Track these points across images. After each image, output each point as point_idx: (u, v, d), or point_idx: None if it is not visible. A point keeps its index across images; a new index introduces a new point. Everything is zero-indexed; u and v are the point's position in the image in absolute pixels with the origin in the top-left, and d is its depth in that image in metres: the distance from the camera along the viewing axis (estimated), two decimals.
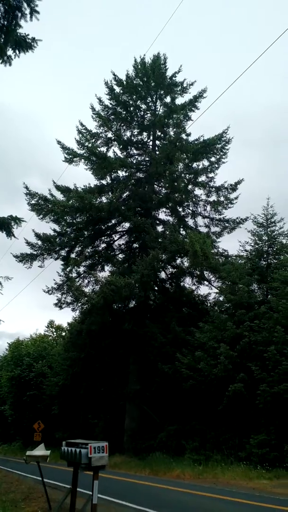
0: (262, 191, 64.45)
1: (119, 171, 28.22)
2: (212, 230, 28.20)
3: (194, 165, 28.01)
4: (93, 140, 28.61)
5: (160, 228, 28.72)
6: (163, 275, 28.73)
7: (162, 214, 29.45)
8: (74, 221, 27.24)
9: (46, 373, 36.42)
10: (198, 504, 10.53)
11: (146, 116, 29.93)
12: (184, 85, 28.99)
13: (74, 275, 27.52)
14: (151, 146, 29.79)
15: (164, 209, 28.97)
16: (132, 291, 23.68)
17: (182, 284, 27.79)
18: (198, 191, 28.54)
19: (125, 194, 28.42)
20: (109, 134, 29.35)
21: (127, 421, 25.25)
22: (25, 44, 9.54)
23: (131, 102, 29.55)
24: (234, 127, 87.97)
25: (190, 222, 28.93)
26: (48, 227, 52.76)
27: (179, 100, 29.02)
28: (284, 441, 16.05)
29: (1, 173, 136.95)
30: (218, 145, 27.47)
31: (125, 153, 29.79)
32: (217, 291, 25.42)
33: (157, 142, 29.83)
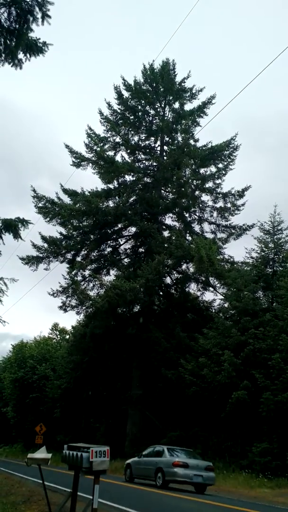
0: (273, 197, 64.35)
1: (126, 176, 28.30)
2: (218, 236, 28.22)
3: (202, 171, 28.06)
4: (101, 144, 28.71)
5: (166, 233, 28.75)
6: (168, 280, 28.78)
7: (169, 219, 29.56)
8: (81, 224, 27.34)
9: (49, 376, 36.41)
10: (199, 511, 10.47)
11: (154, 121, 30.01)
12: (193, 91, 29.11)
13: (79, 278, 27.57)
14: (159, 151, 29.86)
15: (170, 214, 29.03)
16: (137, 296, 23.69)
17: (187, 289, 27.79)
18: (205, 197, 28.62)
19: (132, 199, 28.48)
20: (117, 139, 29.49)
21: (129, 426, 25.18)
22: (36, 48, 9.56)
23: (139, 107, 29.68)
24: (245, 132, 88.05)
25: (197, 228, 28.98)
26: (54, 230, 52.92)
27: (188, 106, 29.21)
28: (287, 450, 15.95)
29: (12, 175, 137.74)
30: (226, 152, 27.49)
31: (132, 158, 29.88)
32: (222, 297, 25.37)
33: (165, 148, 29.90)
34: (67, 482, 11.46)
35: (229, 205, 27.93)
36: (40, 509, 10.43)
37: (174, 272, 28.29)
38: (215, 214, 28.29)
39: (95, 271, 28.26)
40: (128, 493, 13.92)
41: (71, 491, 8.26)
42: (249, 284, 21.27)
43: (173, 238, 26.10)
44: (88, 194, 27.15)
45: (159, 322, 26.46)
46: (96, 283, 27.60)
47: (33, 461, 10.07)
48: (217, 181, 28.00)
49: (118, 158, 28.58)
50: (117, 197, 27.91)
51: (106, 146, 29.14)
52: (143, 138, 30.34)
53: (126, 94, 29.51)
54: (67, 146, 28.06)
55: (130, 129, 30.01)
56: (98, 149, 27.83)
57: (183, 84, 29.23)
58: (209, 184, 28.13)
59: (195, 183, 28.01)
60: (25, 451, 33.72)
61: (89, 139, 28.31)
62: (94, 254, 28.91)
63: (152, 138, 30.30)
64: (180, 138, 29.11)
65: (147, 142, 30.48)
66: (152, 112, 30.02)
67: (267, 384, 17.23)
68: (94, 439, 26.41)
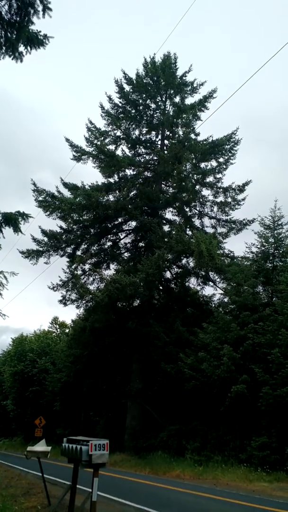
0: (273, 192, 64.29)
1: (127, 170, 28.27)
2: (219, 231, 28.12)
3: (202, 165, 27.98)
4: (102, 138, 28.62)
5: (166, 228, 28.70)
6: (168, 274, 28.75)
7: (169, 214, 29.50)
8: (81, 218, 27.29)
9: (49, 369, 36.51)
10: (198, 504, 10.53)
11: (155, 115, 29.91)
12: (194, 85, 28.97)
13: (79, 272, 27.58)
14: (159, 145, 29.77)
15: (171, 209, 28.97)
16: (137, 290, 23.68)
17: (187, 284, 27.78)
18: (206, 192, 28.53)
19: (132, 193, 28.44)
20: (118, 133, 29.39)
21: (128, 419, 25.27)
22: (36, 41, 9.50)
23: (140, 101, 29.58)
24: (246, 127, 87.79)
25: (197, 222, 28.93)
26: (54, 224, 53.02)
27: (189, 100, 29.06)
28: (285, 444, 16.01)
29: (14, 168, 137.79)
30: (226, 146, 27.40)
31: (133, 152, 29.82)
32: (222, 292, 25.38)
33: (166, 142, 29.81)
34: (66, 475, 11.53)
35: (229, 199, 27.86)
36: (40, 501, 10.51)
37: (174, 266, 28.30)
38: (215, 208, 28.23)
39: (95, 265, 28.24)
40: (126, 486, 14.01)
41: (70, 484, 8.32)
42: (249, 279, 21.26)
43: (173, 232, 26.06)
44: (89, 188, 27.11)
45: (159, 316, 26.49)
46: (96, 277, 27.64)
47: (32, 453, 10.15)
48: (218, 176, 27.92)
49: (118, 152, 28.55)
50: (117, 191, 27.86)
51: (106, 140, 29.04)
52: (144, 132, 30.24)
53: (127, 87, 29.45)
54: (67, 140, 28.02)
55: (131, 123, 29.90)
56: (99, 143, 27.76)
57: (184, 78, 29.09)
58: (210, 179, 28.07)
59: (195, 178, 27.94)
60: (25, 444, 33.89)
61: (89, 133, 28.27)
62: (94, 248, 28.90)
63: (153, 132, 30.22)
64: (181, 132, 29.01)
65: (147, 136, 30.40)
66: (153, 106, 29.91)
67: (266, 379, 17.26)
68: (94, 432, 26.52)
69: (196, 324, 23.10)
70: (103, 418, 27.92)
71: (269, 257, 22.80)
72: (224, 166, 27.73)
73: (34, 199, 26.17)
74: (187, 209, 28.88)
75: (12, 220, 11.65)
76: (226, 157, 27.68)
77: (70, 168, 76.15)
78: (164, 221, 29.18)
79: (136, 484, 14.53)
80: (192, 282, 27.77)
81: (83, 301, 26.61)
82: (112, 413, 27.38)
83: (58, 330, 52.25)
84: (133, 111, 29.65)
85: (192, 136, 28.03)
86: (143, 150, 30.41)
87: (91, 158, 27.85)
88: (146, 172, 29.36)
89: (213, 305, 26.46)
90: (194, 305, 26.83)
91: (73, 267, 27.04)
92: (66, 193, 27.14)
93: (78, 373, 29.76)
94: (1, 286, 17.41)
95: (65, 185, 27.58)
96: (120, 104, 29.56)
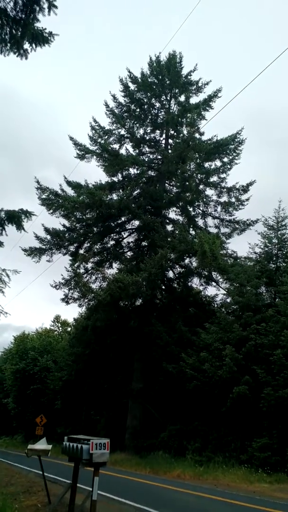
0: (278, 192, 64.09)
1: (130, 169, 28.18)
2: (222, 231, 28.10)
3: (206, 165, 27.90)
4: (106, 137, 28.62)
5: (169, 227, 28.70)
6: (171, 274, 28.74)
7: (172, 213, 29.43)
8: (84, 217, 27.24)
9: (50, 367, 36.53)
10: (198, 505, 10.50)
11: (160, 114, 29.85)
12: (199, 84, 28.90)
13: (82, 271, 27.52)
14: (163, 145, 29.70)
15: (174, 208, 28.91)
16: (139, 289, 23.64)
17: (189, 284, 27.76)
18: (209, 191, 28.45)
19: (135, 192, 28.38)
20: (122, 131, 29.34)
21: (129, 419, 25.24)
22: (42, 38, 9.48)
23: (145, 100, 29.51)
24: (251, 126, 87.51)
25: (200, 222, 28.86)
26: (57, 222, 52.96)
27: (194, 99, 28.98)
28: (286, 446, 15.98)
29: (19, 166, 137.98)
30: (231, 146, 27.32)
31: (137, 151, 29.73)
32: (225, 292, 25.30)
33: (170, 141, 29.74)
34: (67, 473, 11.52)
35: (233, 199, 27.80)
36: (40, 500, 10.50)
37: (177, 266, 28.25)
38: (219, 208, 28.16)
39: (97, 264, 28.18)
40: (126, 485, 13.99)
41: (70, 482, 8.31)
42: (252, 279, 21.19)
43: (177, 232, 26.01)
44: (92, 186, 27.06)
45: (161, 316, 26.47)
46: (99, 276, 27.57)
47: (33, 452, 10.14)
48: (222, 176, 27.84)
49: (122, 151, 28.47)
50: (121, 190, 27.80)
51: (111, 139, 29.03)
52: (148, 131, 30.19)
53: (132, 86, 29.36)
54: (71, 138, 27.96)
55: (135, 122, 29.84)
56: (103, 141, 27.74)
57: (189, 77, 29.03)
58: (214, 178, 27.99)
59: (199, 177, 27.86)
60: (25, 442, 33.89)
61: (94, 131, 28.25)
62: (97, 247, 28.84)
63: (157, 131, 30.15)
64: (185, 132, 28.90)
65: (152, 135, 30.34)
66: (157, 105, 29.85)
67: (268, 380, 17.22)
68: (95, 431, 26.51)
69: (198, 324, 23.06)
70: (104, 417, 27.93)
71: (272, 258, 22.73)
72: (229, 166, 27.67)
73: (38, 197, 26.15)
74: (191, 209, 28.82)
75: (15, 218, 11.64)
76: (230, 157, 27.61)
77: (74, 167, 76.12)
78: (167, 221, 29.15)
79: (137, 483, 14.51)
80: (195, 282, 27.78)
81: (85, 300, 26.56)
82: (113, 412, 27.38)
83: (60, 328, 52.30)
84: (138, 110, 29.59)
85: (197, 135, 27.92)
86: (147, 149, 30.36)
87: (95, 157, 27.79)
88: (149, 171, 29.33)
89: (216, 305, 26.39)
90: (196, 305, 26.79)
91: (75, 265, 26.99)
92: (70, 192, 27.12)
93: (79, 372, 29.77)
94: (3, 284, 17.41)
95: (69, 183, 27.53)
96: (124, 103, 29.50)
